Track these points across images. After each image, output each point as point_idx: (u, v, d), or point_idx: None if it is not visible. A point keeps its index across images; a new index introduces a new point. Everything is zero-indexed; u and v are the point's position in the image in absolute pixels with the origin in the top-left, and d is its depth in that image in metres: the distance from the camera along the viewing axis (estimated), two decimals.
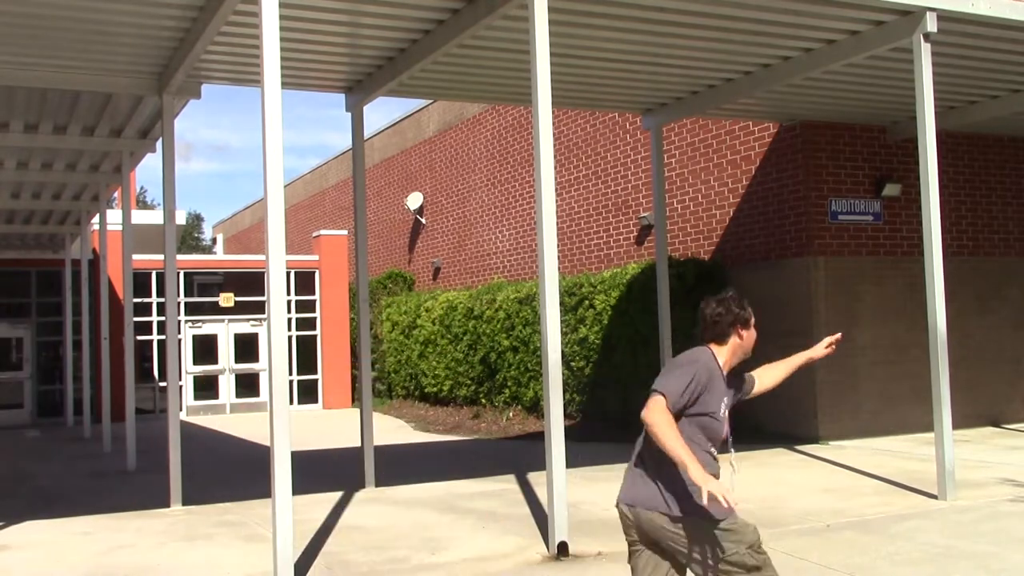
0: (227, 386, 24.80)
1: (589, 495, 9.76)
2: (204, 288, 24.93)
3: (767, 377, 4.86)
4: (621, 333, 15.77)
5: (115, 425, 16.76)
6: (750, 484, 10.40)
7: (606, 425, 15.96)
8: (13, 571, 7.47)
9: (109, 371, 17.02)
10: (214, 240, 52.26)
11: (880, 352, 14.07)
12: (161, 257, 11.97)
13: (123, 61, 10.21)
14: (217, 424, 21.48)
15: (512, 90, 11.96)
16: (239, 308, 24.84)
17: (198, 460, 13.96)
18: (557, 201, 19.38)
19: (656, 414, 4.08)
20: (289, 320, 24.06)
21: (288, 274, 24.21)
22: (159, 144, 12.72)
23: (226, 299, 24.79)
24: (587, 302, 16.63)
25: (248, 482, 11.32)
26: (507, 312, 19.17)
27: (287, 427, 6.73)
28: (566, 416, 13.13)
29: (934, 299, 9.27)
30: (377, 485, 10.80)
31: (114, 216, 20.09)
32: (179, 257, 13.69)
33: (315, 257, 25.95)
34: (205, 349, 24.64)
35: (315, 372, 25.65)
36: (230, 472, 13.37)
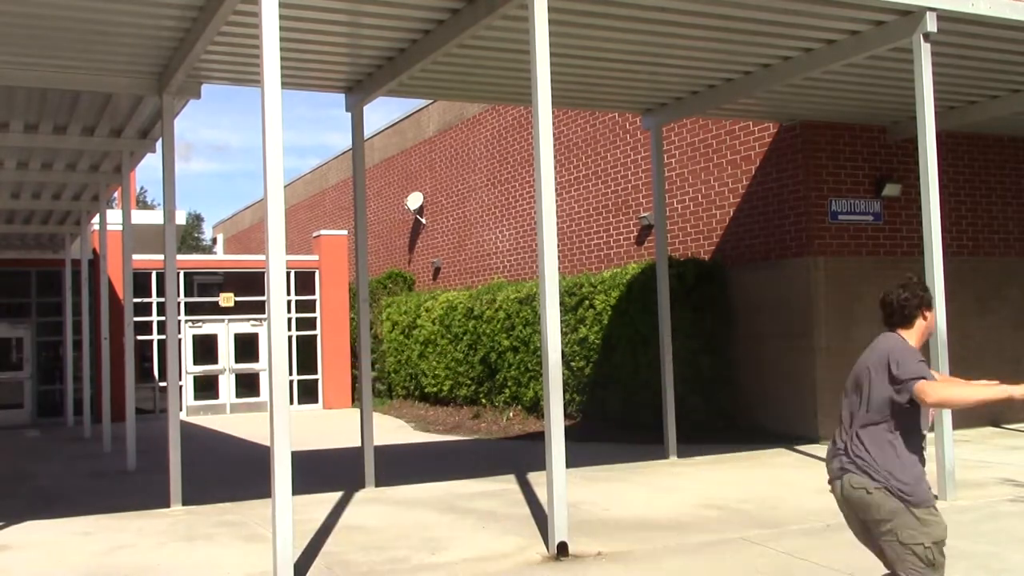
0: (227, 386, 24.80)
1: (589, 495, 9.77)
2: (204, 288, 24.93)
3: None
4: (621, 333, 15.77)
5: (115, 425, 16.76)
6: (750, 484, 10.41)
7: (606, 425, 15.97)
8: (13, 571, 7.47)
9: (109, 371, 17.02)
10: (214, 240, 52.26)
11: None
12: (161, 257, 11.97)
13: (123, 61, 10.21)
14: (217, 424, 21.48)
15: (512, 90, 11.96)
16: (239, 308, 24.84)
17: (198, 460, 13.96)
18: (557, 201, 19.38)
19: (939, 389, 4.27)
20: (289, 320, 24.05)
21: (288, 274, 24.14)
22: (159, 144, 12.71)
23: (226, 299, 24.79)
24: (587, 302, 16.63)
25: (248, 482, 11.32)
26: (507, 312, 19.17)
27: (287, 427, 6.73)
28: (566, 416, 13.12)
29: (934, 299, 9.26)
30: (377, 485, 10.80)
31: (114, 216, 20.09)
32: (179, 257, 13.68)
33: (315, 257, 25.95)
34: (205, 349, 24.64)
35: (315, 372, 25.65)
36: (230, 472, 13.38)
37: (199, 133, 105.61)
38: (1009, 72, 11.67)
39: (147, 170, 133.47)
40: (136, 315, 22.60)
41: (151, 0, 8.56)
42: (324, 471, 12.37)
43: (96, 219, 19.15)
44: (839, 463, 4.48)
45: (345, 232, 26.56)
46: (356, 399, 24.06)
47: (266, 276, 6.86)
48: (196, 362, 24.54)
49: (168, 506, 9.99)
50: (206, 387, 24.64)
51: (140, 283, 23.01)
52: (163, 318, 21.05)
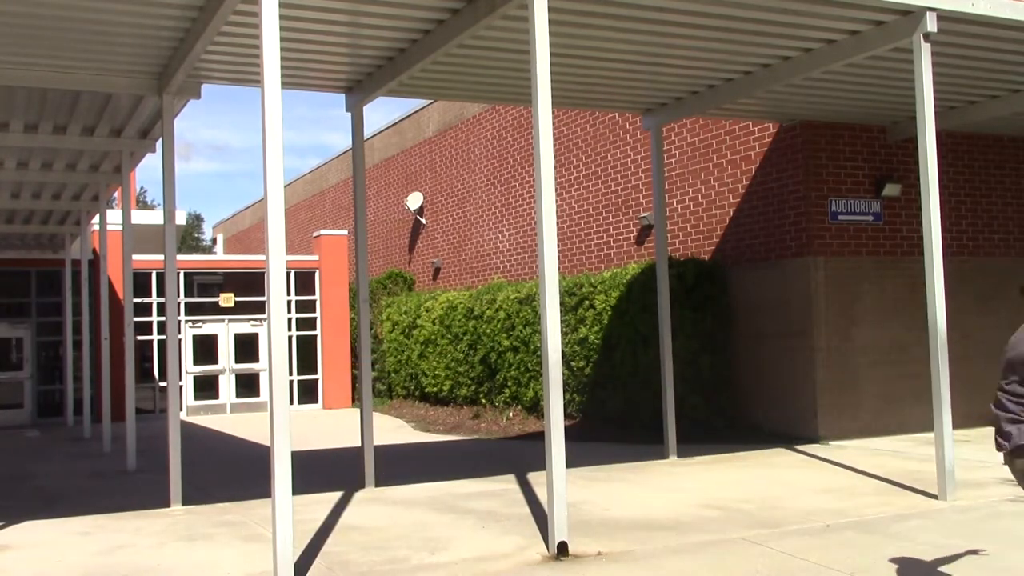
0: (227, 386, 24.81)
1: (589, 495, 9.77)
2: (204, 288, 24.94)
3: None
4: (621, 333, 15.77)
5: (115, 425, 16.77)
6: (750, 484, 10.41)
7: (606, 425, 15.98)
8: (13, 571, 7.47)
9: (109, 371, 17.02)
10: (214, 240, 52.27)
11: (880, 352, 14.07)
12: (161, 257, 11.97)
13: (123, 61, 10.21)
14: (217, 424, 21.49)
15: (512, 90, 11.96)
16: (239, 308, 24.85)
17: (198, 460, 13.97)
18: (557, 201, 19.38)
19: None
20: (289, 320, 24.06)
21: (288, 274, 24.14)
22: (159, 144, 12.71)
23: (226, 299, 24.80)
24: (587, 302, 16.63)
25: (248, 482, 11.32)
26: (507, 312, 19.17)
27: (287, 427, 6.73)
28: (566, 416, 13.13)
29: (934, 299, 9.27)
30: (377, 485, 10.80)
31: (114, 216, 20.10)
32: (179, 257, 13.68)
33: (315, 257, 25.95)
34: (205, 349, 24.64)
35: (315, 372, 25.65)
36: (230, 472, 13.38)
37: (199, 133, 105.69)
38: (1009, 72, 11.67)
39: (147, 170, 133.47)
40: (136, 315, 22.61)
41: (151, 0, 8.56)
42: (324, 471, 12.37)
43: (96, 219, 19.15)
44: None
45: (345, 232, 26.57)
46: (356, 399, 24.06)
47: (266, 276, 6.86)
48: (196, 362, 24.54)
49: (168, 506, 9.99)
50: (206, 387, 24.64)
51: (140, 283, 23.02)
52: (163, 318, 21.05)
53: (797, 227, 14.05)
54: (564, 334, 16.44)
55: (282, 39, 7.27)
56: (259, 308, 24.58)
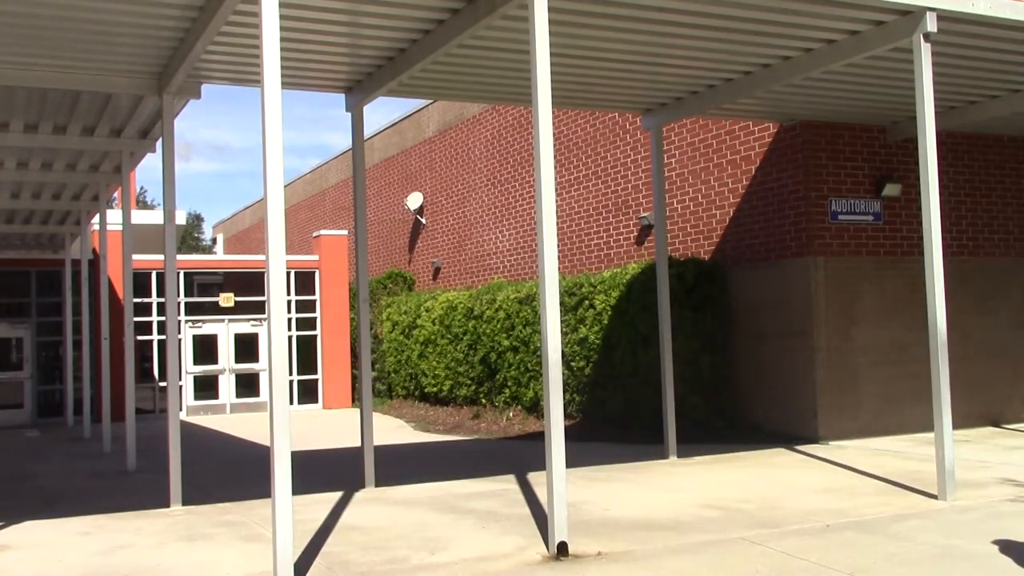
0: (227, 386, 24.81)
1: (589, 495, 9.77)
2: (204, 288, 24.94)
3: None
4: (621, 333, 15.77)
5: (115, 425, 16.77)
6: (750, 484, 10.41)
7: (606, 425, 15.98)
8: (13, 571, 7.47)
9: (109, 371, 17.02)
10: (214, 240, 52.27)
11: (880, 352, 14.07)
12: (161, 257, 11.98)
13: (123, 61, 10.21)
14: (217, 424, 21.49)
15: (512, 90, 11.96)
16: (239, 308, 24.85)
17: (198, 460, 13.97)
18: (557, 201, 19.38)
19: None
20: (289, 320, 24.06)
21: (288, 274, 24.15)
22: (159, 144, 12.71)
23: (226, 299, 24.80)
24: (587, 302, 16.63)
25: (248, 482, 11.33)
26: (507, 312, 19.17)
27: (287, 427, 6.73)
28: (566, 416, 13.13)
29: (934, 299, 9.27)
30: (377, 485, 10.80)
31: (114, 216, 20.10)
32: (179, 257, 13.69)
33: (315, 257, 25.96)
34: (205, 349, 24.65)
35: (315, 372, 25.65)
36: (230, 472, 13.38)
37: (199, 133, 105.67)
38: (1009, 72, 11.67)
39: (147, 170, 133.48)
40: (136, 315, 22.61)
41: (151, 0, 8.56)
42: (324, 471, 12.37)
43: (96, 219, 19.15)
44: None
45: (345, 232, 26.57)
46: (356, 399, 24.06)
47: (266, 276, 6.85)
48: (196, 362, 24.54)
49: (168, 506, 9.99)
50: (206, 387, 24.64)
51: (140, 283, 23.02)
52: (163, 318, 21.05)
53: (797, 227, 14.05)
54: (564, 334, 16.44)
55: (282, 39, 7.28)
56: (259, 308, 24.59)
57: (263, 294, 20.69)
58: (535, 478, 10.68)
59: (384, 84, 10.75)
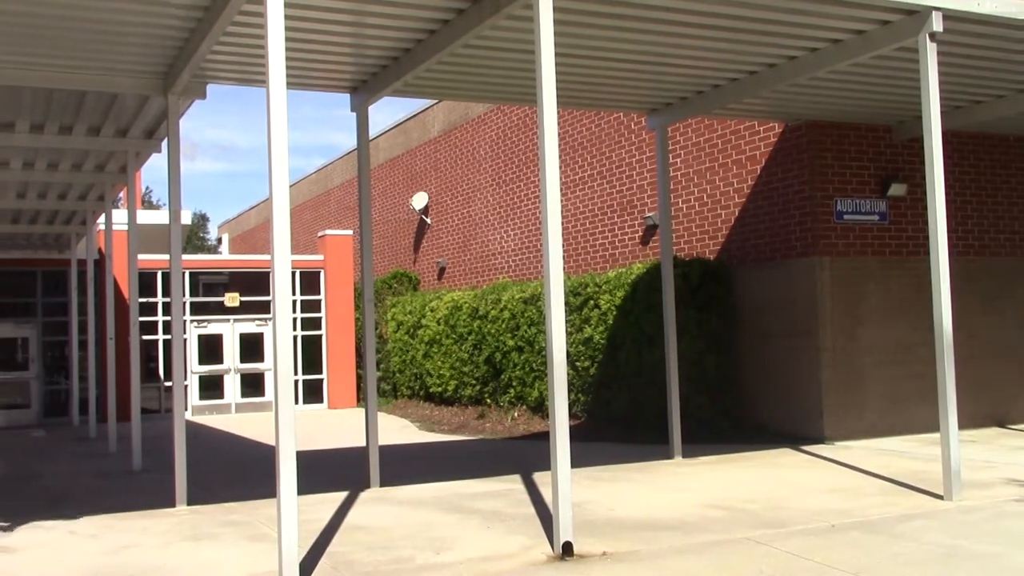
0: (232, 386, 24.84)
1: (594, 495, 9.77)
2: (209, 288, 24.98)
3: None
4: (626, 333, 15.76)
5: (121, 425, 16.79)
6: (756, 484, 10.40)
7: (611, 425, 15.97)
8: (19, 571, 7.49)
9: (115, 371, 17.05)
10: (219, 240, 52.30)
11: (886, 352, 14.05)
12: (166, 257, 11.98)
13: (129, 61, 10.22)
14: (222, 424, 21.52)
15: (517, 90, 11.96)
16: (244, 308, 24.88)
17: (203, 460, 13.97)
18: (562, 201, 19.36)
19: None
20: (294, 320, 24.11)
21: (293, 274, 24.16)
22: (164, 144, 12.74)
23: (231, 299, 24.83)
24: (592, 302, 16.62)
25: (253, 482, 11.34)
26: (512, 312, 19.17)
27: (292, 427, 6.74)
28: (571, 416, 13.13)
29: (940, 299, 9.25)
30: (382, 485, 10.81)
31: (119, 216, 20.12)
32: (184, 257, 13.71)
33: (320, 257, 25.98)
34: (210, 349, 24.68)
35: (320, 372, 25.68)
36: (235, 472, 13.39)
37: (205, 133, 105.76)
38: (1015, 72, 11.64)
39: (152, 170, 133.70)
40: (141, 315, 22.51)
41: (157, 0, 8.57)
42: (329, 471, 12.38)
43: (102, 219, 19.18)
44: None
45: (350, 232, 26.59)
46: (361, 399, 24.08)
47: (271, 276, 6.86)
48: (201, 362, 24.59)
49: (173, 506, 10.00)
50: (211, 387, 24.68)
51: (145, 283, 23.03)
52: (168, 318, 21.05)
53: (802, 227, 14.03)
54: (569, 334, 16.44)
55: (287, 39, 7.28)
56: (264, 308, 24.62)
57: (268, 294, 20.71)
58: (540, 478, 10.68)
59: (389, 84, 10.76)
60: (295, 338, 24.16)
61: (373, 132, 26.86)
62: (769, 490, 9.95)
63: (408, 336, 24.04)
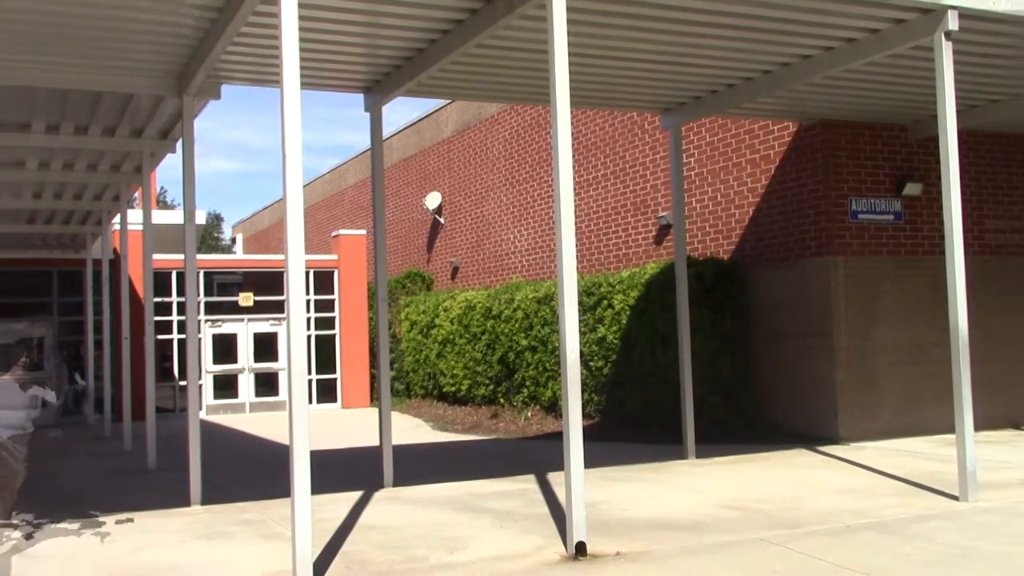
0: (246, 385, 24.91)
1: (608, 495, 9.76)
2: (224, 288, 25.05)
3: None
4: (640, 333, 15.74)
5: (136, 424, 16.86)
6: (770, 484, 10.37)
7: (625, 425, 15.95)
8: (35, 570, 7.53)
9: (130, 370, 17.12)
10: (234, 240, 52.51)
11: (901, 352, 13.99)
12: (181, 257, 12.02)
13: (143, 62, 10.27)
14: (236, 423, 21.58)
15: (530, 90, 11.95)
16: (258, 307, 24.94)
17: (218, 459, 14.01)
18: (576, 201, 19.28)
19: None
20: (308, 319, 24.16)
21: (307, 274, 24.19)
22: (179, 144, 12.78)
23: (245, 299, 24.90)
24: (606, 302, 16.61)
25: (267, 481, 11.37)
26: (525, 312, 19.16)
27: (306, 426, 6.75)
28: (584, 416, 13.13)
29: (955, 299, 9.21)
30: (395, 484, 10.82)
31: (135, 216, 20.19)
32: (199, 257, 13.76)
33: (334, 257, 26.03)
34: (225, 348, 24.76)
35: (334, 371, 25.73)
36: (249, 471, 13.43)
37: (219, 133, 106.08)
38: None
39: (167, 170, 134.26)
40: (156, 314, 22.54)
41: (171, 0, 8.61)
42: (343, 470, 12.40)
43: (117, 219, 19.25)
44: None
45: (364, 232, 26.63)
46: (374, 398, 24.11)
47: (285, 276, 6.88)
48: (216, 361, 24.66)
49: (188, 505, 10.04)
50: (225, 386, 24.75)
51: (160, 283, 23.10)
52: (183, 317, 21.14)
53: (817, 226, 13.98)
54: (582, 334, 16.42)
55: (301, 39, 7.29)
56: (278, 307, 24.68)
57: (282, 294, 20.75)
58: (553, 478, 10.67)
59: (402, 84, 10.77)
60: (309, 338, 24.20)
61: (387, 132, 26.89)
62: (783, 490, 9.92)
63: (421, 336, 24.06)
